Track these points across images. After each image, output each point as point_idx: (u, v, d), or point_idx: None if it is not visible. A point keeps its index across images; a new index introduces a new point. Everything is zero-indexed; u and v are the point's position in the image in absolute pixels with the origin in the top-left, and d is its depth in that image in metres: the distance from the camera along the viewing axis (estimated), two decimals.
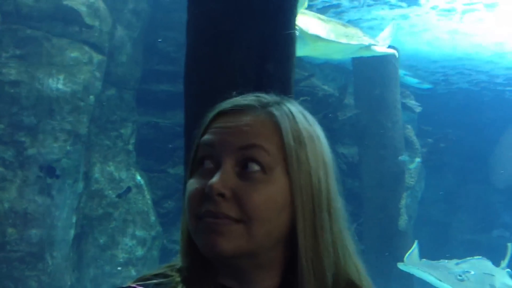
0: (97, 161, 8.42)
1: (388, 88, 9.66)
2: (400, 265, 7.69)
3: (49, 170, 7.17)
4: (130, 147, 8.88)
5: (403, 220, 9.11)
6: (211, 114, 1.26)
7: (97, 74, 8.30)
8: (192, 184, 1.20)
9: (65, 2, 7.87)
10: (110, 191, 8.32)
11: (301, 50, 7.89)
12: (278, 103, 1.25)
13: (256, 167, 1.17)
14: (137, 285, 1.24)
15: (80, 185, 8.10)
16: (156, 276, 1.27)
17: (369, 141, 9.58)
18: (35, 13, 7.65)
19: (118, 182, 8.39)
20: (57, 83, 7.74)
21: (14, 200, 7.18)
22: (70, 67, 7.94)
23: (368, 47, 8.37)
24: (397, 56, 9.09)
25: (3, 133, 7.33)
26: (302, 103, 1.35)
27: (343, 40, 7.99)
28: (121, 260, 8.14)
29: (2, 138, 7.34)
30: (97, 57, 8.30)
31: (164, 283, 1.25)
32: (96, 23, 8.30)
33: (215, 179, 1.15)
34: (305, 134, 1.22)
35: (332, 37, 7.82)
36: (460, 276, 7.14)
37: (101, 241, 8.19)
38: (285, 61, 2.56)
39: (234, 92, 1.30)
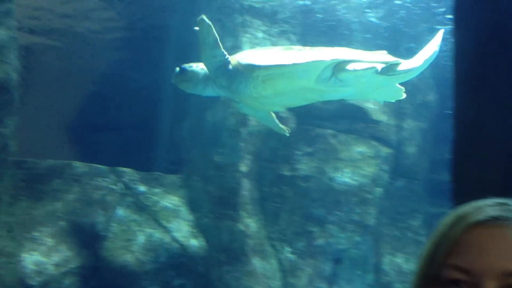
0: (386, 252, 8.46)
1: None
2: None
3: (337, 260, 7.55)
4: (421, 238, 8.68)
5: None
6: (461, 225, 1.16)
7: (384, 167, 8.52)
8: None
9: (351, 101, 8.48)
10: (399, 284, 8.20)
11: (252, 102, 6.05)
12: None
13: None
14: None
15: (370, 276, 8.21)
16: None
17: None
18: (323, 113, 8.43)
19: (407, 275, 8.22)
20: (344, 177, 8.22)
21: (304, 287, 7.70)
22: (357, 161, 8.36)
23: (385, 68, 5.59)
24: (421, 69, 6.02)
25: (297, 224, 8.05)
26: None
27: (310, 57, 5.48)
28: None
29: (295, 229, 8.06)
30: (384, 150, 8.57)
31: None
32: (383, 118, 8.65)
33: None
34: None
35: (289, 60, 5.51)
36: None
37: None
38: None
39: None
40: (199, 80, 6.19)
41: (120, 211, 7.34)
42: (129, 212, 7.39)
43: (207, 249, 7.78)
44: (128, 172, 7.72)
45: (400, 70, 5.75)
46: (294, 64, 5.64)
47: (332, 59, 5.60)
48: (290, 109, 8.45)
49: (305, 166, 8.20)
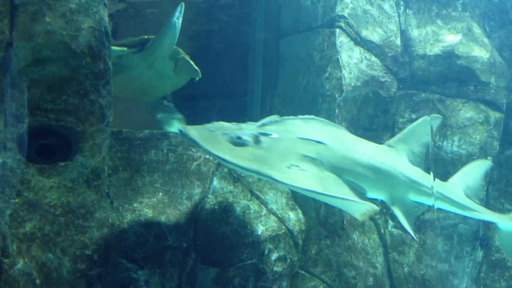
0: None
1: None
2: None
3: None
4: None
5: None
6: None
7: (494, 133, 7.81)
8: None
9: (458, 62, 7.77)
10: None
11: None
12: None
13: None
14: None
15: (479, 253, 7.60)
16: None
17: None
18: (428, 76, 7.77)
19: None
20: (452, 145, 7.58)
21: (412, 265, 7.19)
22: (465, 127, 7.69)
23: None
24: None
25: None
26: None
27: None
28: None
29: None
30: (493, 115, 7.85)
31: None
32: (492, 80, 7.91)
33: None
34: None
35: None
36: (238, 138, 5.09)
37: None
38: None
39: None
40: None
41: (215, 182, 7.08)
42: (224, 183, 7.12)
43: (304, 223, 7.42)
44: None
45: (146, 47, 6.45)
46: None
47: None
48: (391, 73, 7.83)
49: None
